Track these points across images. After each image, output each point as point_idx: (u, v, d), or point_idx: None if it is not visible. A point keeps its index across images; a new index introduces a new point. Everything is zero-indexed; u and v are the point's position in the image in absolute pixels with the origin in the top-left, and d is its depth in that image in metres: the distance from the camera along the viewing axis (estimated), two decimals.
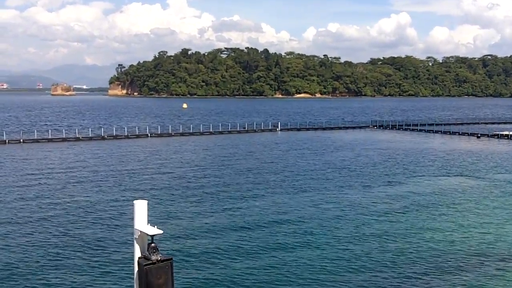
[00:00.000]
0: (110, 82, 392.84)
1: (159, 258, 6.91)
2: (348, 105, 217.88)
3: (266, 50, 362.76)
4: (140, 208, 7.12)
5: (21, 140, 69.77)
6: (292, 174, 43.95)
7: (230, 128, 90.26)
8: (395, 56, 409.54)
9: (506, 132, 79.88)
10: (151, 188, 37.36)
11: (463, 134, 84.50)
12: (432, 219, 28.92)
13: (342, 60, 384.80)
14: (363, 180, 41.06)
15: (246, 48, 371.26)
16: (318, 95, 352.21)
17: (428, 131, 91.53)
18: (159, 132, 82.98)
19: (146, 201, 7.18)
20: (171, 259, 7.03)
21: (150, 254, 6.92)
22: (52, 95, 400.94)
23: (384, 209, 31.10)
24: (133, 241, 7.15)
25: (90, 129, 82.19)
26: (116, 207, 31.41)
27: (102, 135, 77.00)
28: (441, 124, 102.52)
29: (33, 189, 36.76)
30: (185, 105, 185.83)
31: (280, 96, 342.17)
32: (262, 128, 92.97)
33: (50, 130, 79.14)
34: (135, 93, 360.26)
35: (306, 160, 52.65)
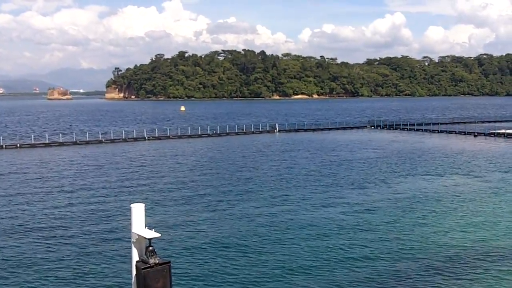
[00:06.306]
0: (107, 86, 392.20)
1: (157, 262, 6.91)
2: (345, 106, 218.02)
3: (263, 52, 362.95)
4: (138, 211, 7.11)
5: (18, 145, 69.55)
6: (291, 175, 43.91)
7: (228, 130, 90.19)
8: (391, 56, 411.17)
9: (503, 131, 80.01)
10: (149, 191, 37.28)
11: (460, 133, 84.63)
12: (428, 218, 28.93)
13: (338, 61, 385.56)
14: (361, 180, 41.05)
15: (243, 50, 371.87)
16: (315, 96, 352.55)
17: (425, 130, 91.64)
18: (156, 135, 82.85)
19: (143, 205, 7.18)
20: (169, 262, 7.02)
21: (148, 257, 6.91)
22: (49, 99, 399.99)
23: (381, 209, 31.11)
24: (130, 244, 7.14)
25: (87, 133, 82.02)
26: (113, 210, 31.33)
27: (100, 139, 76.82)
28: (438, 124, 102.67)
29: (30, 194, 36.62)
30: (183, 108, 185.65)
31: (277, 97, 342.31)
32: (261, 130, 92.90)
33: (47, 135, 78.95)
34: (132, 97, 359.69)
35: (305, 161, 52.64)
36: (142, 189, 38.44)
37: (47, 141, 72.93)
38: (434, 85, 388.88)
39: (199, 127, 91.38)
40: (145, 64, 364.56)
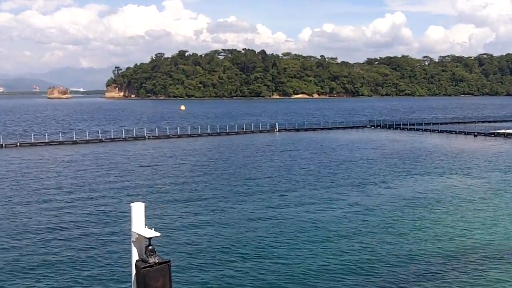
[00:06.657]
0: (107, 85, 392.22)
1: (157, 261, 6.90)
2: (345, 105, 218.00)
3: (263, 51, 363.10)
4: (137, 210, 7.10)
5: (18, 144, 69.52)
6: (291, 175, 43.88)
7: (228, 130, 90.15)
8: (392, 56, 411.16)
9: (503, 131, 79.99)
10: (149, 191, 37.27)
11: (460, 133, 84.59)
12: (427, 218, 28.91)
13: (338, 61, 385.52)
14: (361, 180, 41.02)
15: (243, 49, 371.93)
16: (315, 95, 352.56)
17: (425, 130, 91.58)
18: (156, 134, 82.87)
19: (143, 204, 7.17)
20: (169, 261, 7.02)
21: (147, 256, 6.91)
22: (49, 98, 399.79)
23: (381, 209, 31.09)
24: (130, 243, 7.14)
25: (87, 132, 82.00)
26: (113, 209, 31.32)
27: (100, 137, 76.81)
28: (438, 123, 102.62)
29: (29, 193, 36.62)
30: (183, 107, 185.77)
31: (277, 97, 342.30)
32: (260, 129, 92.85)
33: (47, 134, 78.92)
34: (132, 96, 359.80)
35: (305, 161, 52.62)
36: (142, 188, 38.42)
37: (47, 140, 72.91)
38: (434, 84, 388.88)
39: (199, 127, 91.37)
40: (145, 63, 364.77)
